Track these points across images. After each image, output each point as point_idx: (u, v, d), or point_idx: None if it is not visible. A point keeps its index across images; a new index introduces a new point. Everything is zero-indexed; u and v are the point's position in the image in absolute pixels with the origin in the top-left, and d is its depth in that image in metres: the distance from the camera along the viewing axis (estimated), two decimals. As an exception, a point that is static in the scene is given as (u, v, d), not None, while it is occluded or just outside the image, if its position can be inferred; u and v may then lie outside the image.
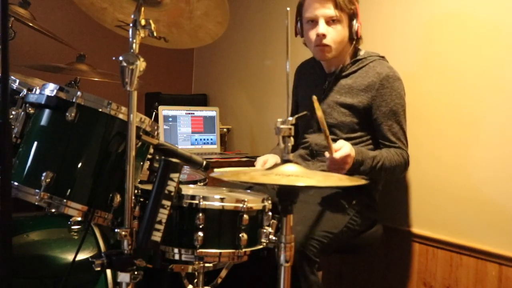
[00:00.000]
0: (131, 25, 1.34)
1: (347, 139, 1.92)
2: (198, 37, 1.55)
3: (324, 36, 2.00)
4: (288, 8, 1.34)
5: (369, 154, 1.92)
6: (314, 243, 1.80)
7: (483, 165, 2.02)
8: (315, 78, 2.21)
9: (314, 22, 2.02)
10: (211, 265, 1.58)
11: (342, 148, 1.78)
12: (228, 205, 1.40)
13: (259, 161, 2.05)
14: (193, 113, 3.21)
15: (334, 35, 2.01)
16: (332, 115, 2.08)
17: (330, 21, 1.99)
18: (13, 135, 1.40)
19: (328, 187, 2.00)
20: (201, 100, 3.63)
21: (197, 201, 1.37)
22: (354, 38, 2.04)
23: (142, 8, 1.35)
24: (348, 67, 2.10)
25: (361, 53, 2.12)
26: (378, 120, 2.03)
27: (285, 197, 1.26)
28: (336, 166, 1.79)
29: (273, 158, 2.03)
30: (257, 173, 1.31)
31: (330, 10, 1.98)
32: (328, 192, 2.02)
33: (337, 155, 1.77)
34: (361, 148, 1.95)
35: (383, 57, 2.12)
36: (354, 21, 2.01)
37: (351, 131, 2.06)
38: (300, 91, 2.29)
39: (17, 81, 1.62)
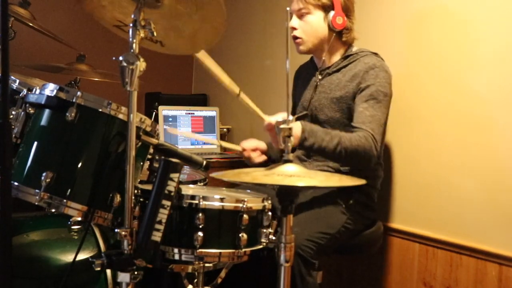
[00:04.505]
0: (131, 25, 1.34)
1: None
2: (195, 42, 1.54)
3: (294, 29, 2.07)
4: (288, 8, 1.35)
5: (321, 129, 1.86)
6: (310, 245, 1.80)
7: (483, 165, 2.02)
8: (310, 78, 2.22)
9: (292, 17, 2.09)
10: (211, 265, 1.58)
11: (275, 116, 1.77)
12: (228, 205, 1.40)
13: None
14: (193, 113, 3.21)
15: (304, 27, 2.06)
16: (323, 111, 2.08)
17: (301, 14, 2.05)
18: (13, 135, 1.40)
19: (325, 187, 2.00)
20: (201, 100, 3.63)
21: (197, 201, 1.37)
22: (333, 30, 2.04)
23: (143, 8, 1.35)
24: (339, 62, 2.10)
25: (353, 49, 2.11)
26: (356, 103, 1.97)
27: (285, 197, 1.26)
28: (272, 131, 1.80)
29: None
30: (258, 173, 1.31)
31: (296, 4, 2.05)
32: (324, 192, 2.02)
33: (270, 119, 1.81)
34: (313, 126, 1.87)
35: (376, 53, 2.09)
36: (330, 13, 2.02)
37: (342, 127, 2.04)
38: (297, 92, 2.31)
39: (17, 81, 1.62)
